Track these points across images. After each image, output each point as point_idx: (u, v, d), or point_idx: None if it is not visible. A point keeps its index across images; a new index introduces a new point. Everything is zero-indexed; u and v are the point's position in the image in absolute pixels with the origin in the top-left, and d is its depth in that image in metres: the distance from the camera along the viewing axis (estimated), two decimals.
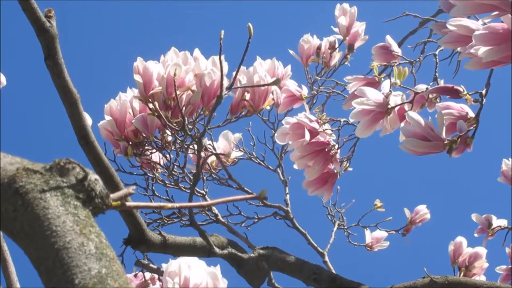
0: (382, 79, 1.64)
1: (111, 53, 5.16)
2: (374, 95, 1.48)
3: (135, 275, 1.92)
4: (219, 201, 0.72)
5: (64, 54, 1.23)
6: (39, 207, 0.64)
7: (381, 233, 2.38)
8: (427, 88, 1.55)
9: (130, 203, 0.72)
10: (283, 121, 1.78)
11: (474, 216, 2.00)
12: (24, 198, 0.65)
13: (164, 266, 1.37)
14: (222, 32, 1.27)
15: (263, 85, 1.75)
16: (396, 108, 1.49)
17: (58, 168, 0.67)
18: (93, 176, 0.68)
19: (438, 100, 1.54)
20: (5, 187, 0.66)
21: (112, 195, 0.69)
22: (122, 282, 0.60)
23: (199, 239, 1.46)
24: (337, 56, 2.30)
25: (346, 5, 2.28)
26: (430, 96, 1.55)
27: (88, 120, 1.78)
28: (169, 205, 0.72)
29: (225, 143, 2.04)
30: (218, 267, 1.25)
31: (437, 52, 1.75)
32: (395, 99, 1.51)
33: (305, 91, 1.96)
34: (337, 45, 2.30)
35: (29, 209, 0.64)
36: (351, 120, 1.53)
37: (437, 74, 1.68)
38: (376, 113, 1.48)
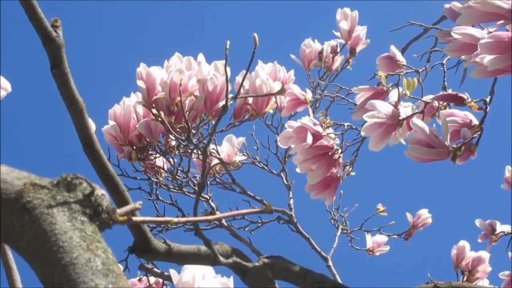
0: (390, 88, 1.63)
1: (115, 57, 5.16)
2: (384, 108, 1.47)
3: (140, 279, 1.93)
4: (225, 215, 0.72)
5: (68, 58, 1.22)
6: (46, 223, 0.64)
7: (381, 238, 2.39)
8: None
9: (136, 217, 0.72)
10: (286, 125, 1.78)
11: (477, 222, 2.00)
12: (31, 213, 0.65)
13: (171, 271, 1.37)
14: (228, 42, 1.27)
15: (268, 95, 1.75)
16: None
17: (65, 183, 0.68)
18: (99, 191, 0.68)
19: (447, 108, 1.53)
20: (12, 202, 0.66)
21: (118, 210, 0.69)
22: None
23: (203, 248, 1.46)
24: (339, 60, 2.31)
25: (347, 10, 2.29)
26: (439, 104, 1.54)
27: (92, 126, 1.78)
28: (175, 219, 0.72)
29: (229, 147, 2.04)
30: (231, 279, 1.25)
31: (444, 61, 1.74)
32: (406, 110, 1.50)
33: (309, 95, 1.95)
34: (339, 49, 2.30)
35: (36, 225, 0.64)
36: (364, 133, 1.51)
37: (446, 83, 1.67)
38: (388, 126, 1.47)
